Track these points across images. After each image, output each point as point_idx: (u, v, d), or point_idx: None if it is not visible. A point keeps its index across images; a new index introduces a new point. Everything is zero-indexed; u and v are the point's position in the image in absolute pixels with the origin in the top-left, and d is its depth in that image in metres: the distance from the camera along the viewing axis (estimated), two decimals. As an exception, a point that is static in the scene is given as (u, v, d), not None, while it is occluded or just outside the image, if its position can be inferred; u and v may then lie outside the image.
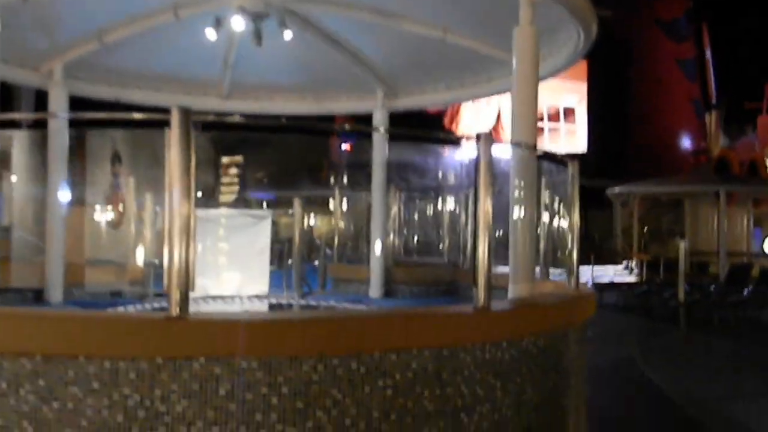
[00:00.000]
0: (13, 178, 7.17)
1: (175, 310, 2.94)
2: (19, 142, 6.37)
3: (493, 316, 3.60)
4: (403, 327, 3.27)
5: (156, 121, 3.13)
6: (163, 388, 2.87)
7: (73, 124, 6.89)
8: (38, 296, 6.58)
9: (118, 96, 7.65)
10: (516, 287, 4.34)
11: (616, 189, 22.31)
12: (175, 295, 2.95)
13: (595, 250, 19.05)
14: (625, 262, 21.67)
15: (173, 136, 2.98)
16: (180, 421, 2.87)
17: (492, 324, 3.57)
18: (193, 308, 3.06)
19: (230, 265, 6.85)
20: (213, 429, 2.88)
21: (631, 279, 19.21)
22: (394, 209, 8.63)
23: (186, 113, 3.00)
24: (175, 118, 3.00)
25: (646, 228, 23.23)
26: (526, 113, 4.73)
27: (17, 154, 6.33)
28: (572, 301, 4.35)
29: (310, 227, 12.64)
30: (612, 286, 16.09)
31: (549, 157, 5.03)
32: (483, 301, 3.54)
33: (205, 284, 6.75)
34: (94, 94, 7.59)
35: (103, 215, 7.12)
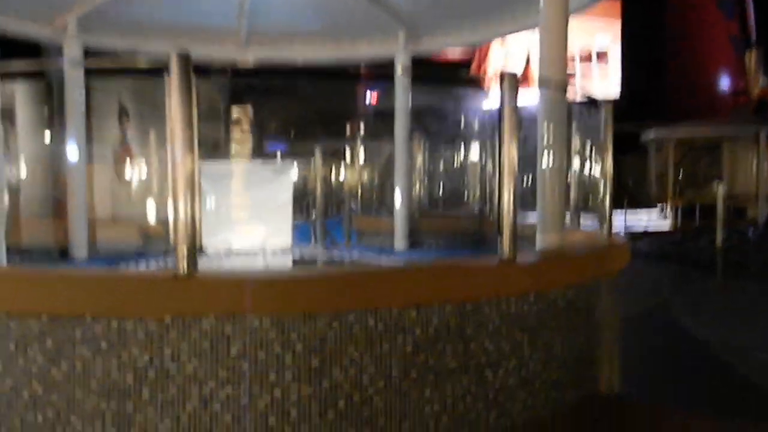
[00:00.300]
0: (46, 136, 7.04)
1: (182, 268, 2.81)
2: (22, 97, 6.23)
3: (519, 268, 3.41)
4: (424, 281, 3.10)
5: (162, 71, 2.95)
6: (173, 348, 2.76)
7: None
8: (63, 254, 6.57)
9: (134, 47, 7.46)
10: (544, 237, 4.13)
11: (651, 133, 21.68)
12: (182, 252, 2.81)
13: (628, 197, 18.60)
14: (659, 209, 21.18)
15: (173, 83, 2.80)
16: (191, 381, 2.77)
17: (518, 276, 3.38)
18: (212, 263, 2.94)
19: (252, 219, 6.73)
20: (226, 388, 2.78)
21: (666, 225, 18.79)
22: (419, 159, 8.40)
23: (185, 59, 2.82)
24: (174, 64, 2.82)
25: (681, 173, 22.57)
26: (555, 50, 4.42)
27: (21, 110, 6.20)
28: (604, 250, 4.14)
29: (337, 180, 12.45)
30: (646, 233, 15.72)
31: (581, 99, 4.73)
32: (508, 252, 3.35)
33: (227, 239, 6.66)
34: (110, 46, 7.40)
35: (121, 171, 7.01)
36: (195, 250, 2.86)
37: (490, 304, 3.20)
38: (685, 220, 18.34)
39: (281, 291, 2.86)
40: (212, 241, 6.68)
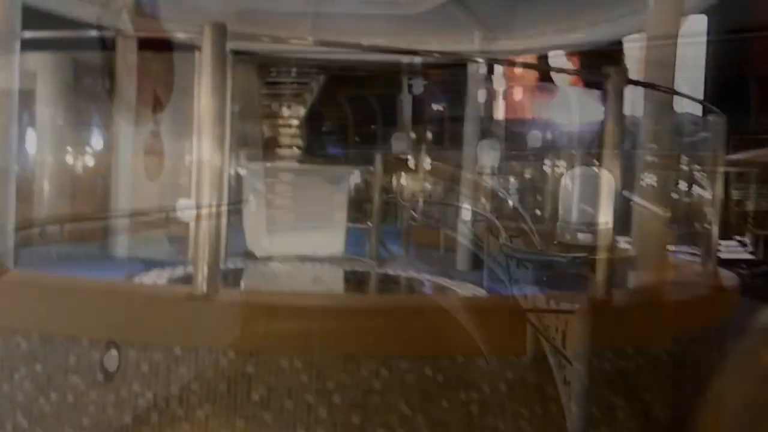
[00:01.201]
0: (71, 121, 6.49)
1: (200, 288, 2.28)
2: (44, 82, 5.80)
3: (616, 312, 2.75)
4: (495, 323, 2.48)
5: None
6: (182, 387, 2.24)
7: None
8: (104, 252, 6.19)
9: (192, 35, 7.07)
10: (641, 273, 3.43)
11: (733, 156, 20.31)
12: (201, 268, 2.29)
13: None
14: (737, 239, 19.82)
15: (204, 58, 2.29)
16: (202, 429, 2.24)
17: (613, 323, 2.72)
18: (257, 269, 2.42)
19: (305, 225, 6.23)
20: (243, 443, 2.24)
21: (745, 256, 17.48)
22: (489, 169, 7.73)
23: (221, 30, 2.30)
24: (207, 38, 2.31)
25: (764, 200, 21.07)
26: (664, 58, 3.72)
27: (41, 95, 5.79)
28: (714, 293, 3.42)
29: (399, 187, 11.87)
30: (724, 263, 14.54)
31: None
32: (602, 292, 2.70)
33: (276, 243, 6.19)
34: (167, 33, 7.05)
35: (148, 164, 6.51)
36: (218, 265, 2.33)
37: (576, 356, 2.55)
38: (767, 251, 17.00)
39: (320, 325, 2.30)
40: (262, 245, 6.23)
